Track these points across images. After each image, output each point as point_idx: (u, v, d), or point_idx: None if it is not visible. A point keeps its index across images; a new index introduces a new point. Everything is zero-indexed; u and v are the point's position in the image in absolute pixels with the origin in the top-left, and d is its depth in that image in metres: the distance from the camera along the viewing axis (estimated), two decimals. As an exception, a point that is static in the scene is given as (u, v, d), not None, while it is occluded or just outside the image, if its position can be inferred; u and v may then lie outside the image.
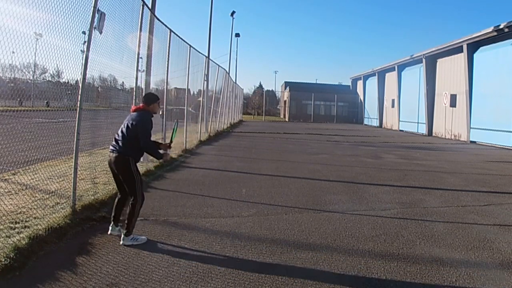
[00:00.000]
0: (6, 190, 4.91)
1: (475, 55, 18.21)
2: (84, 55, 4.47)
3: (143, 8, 6.58)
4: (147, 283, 2.94)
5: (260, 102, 51.64)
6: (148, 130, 3.76)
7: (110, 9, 5.07)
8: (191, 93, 13.47)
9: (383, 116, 31.84)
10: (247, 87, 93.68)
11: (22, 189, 5.13)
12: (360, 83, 39.57)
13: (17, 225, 3.80)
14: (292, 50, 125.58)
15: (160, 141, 8.70)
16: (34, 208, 4.29)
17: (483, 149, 15.06)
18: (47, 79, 5.61)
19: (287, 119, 42.93)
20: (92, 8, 4.52)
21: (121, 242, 3.70)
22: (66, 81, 5.46)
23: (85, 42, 4.52)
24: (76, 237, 3.85)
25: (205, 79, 16.31)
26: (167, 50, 8.67)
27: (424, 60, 22.94)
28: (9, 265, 3.01)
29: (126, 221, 3.72)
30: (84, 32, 4.58)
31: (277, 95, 60.57)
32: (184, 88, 11.62)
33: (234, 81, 31.99)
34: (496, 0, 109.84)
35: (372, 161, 10.50)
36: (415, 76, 24.98)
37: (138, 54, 6.56)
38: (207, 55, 16.45)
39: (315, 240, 4.01)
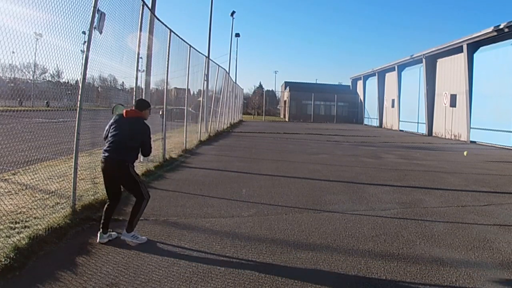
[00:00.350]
0: (6, 190, 4.91)
1: (475, 55, 18.21)
2: (84, 55, 4.47)
3: (143, 8, 6.58)
4: (147, 283, 2.94)
5: (260, 102, 51.64)
6: (148, 137, 3.84)
7: (110, 9, 5.07)
8: (191, 93, 13.48)
9: (383, 116, 31.84)
10: (247, 87, 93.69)
11: (22, 189, 5.13)
12: (360, 83, 39.57)
13: (17, 225, 3.80)
14: (292, 50, 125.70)
15: (160, 141, 8.73)
16: (34, 208, 4.29)
17: (483, 149, 15.06)
18: (47, 79, 5.61)
19: (287, 119, 42.93)
20: (92, 8, 4.52)
21: (121, 237, 3.73)
22: (66, 81, 5.47)
23: (85, 42, 4.52)
24: (76, 237, 3.85)
25: (205, 79, 16.32)
26: (167, 50, 8.67)
27: (424, 60, 22.95)
28: (9, 265, 3.01)
29: (129, 217, 3.74)
30: (84, 32, 4.59)
31: (277, 95, 60.60)
32: (184, 88, 11.62)
33: (234, 81, 32.00)
34: (496, 0, 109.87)
35: (372, 161, 10.50)
36: (415, 76, 24.98)
37: (138, 54, 6.56)
38: (207, 55, 16.46)
39: (315, 240, 4.01)
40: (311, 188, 6.62)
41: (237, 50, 40.61)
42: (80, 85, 4.42)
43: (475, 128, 17.92)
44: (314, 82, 53.59)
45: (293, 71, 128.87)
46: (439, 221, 4.84)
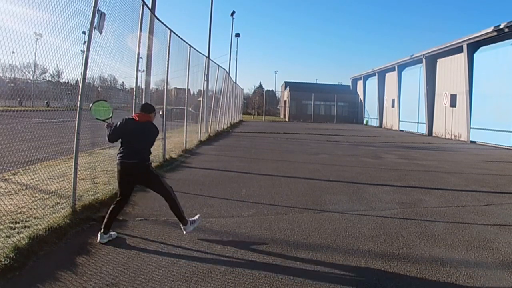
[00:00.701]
0: (6, 190, 4.91)
1: (475, 55, 18.21)
2: (84, 55, 4.47)
3: (143, 8, 6.57)
4: (147, 283, 2.94)
5: (260, 102, 51.65)
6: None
7: (110, 9, 5.07)
8: (191, 93, 13.48)
9: (383, 116, 31.84)
10: (247, 87, 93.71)
11: (22, 189, 5.13)
12: (360, 83, 39.57)
13: (17, 225, 3.80)
14: (292, 50, 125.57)
15: (160, 141, 8.73)
16: (34, 208, 4.29)
17: (483, 149, 15.06)
18: (47, 79, 5.61)
19: (287, 119, 42.94)
20: (92, 8, 4.52)
21: (184, 232, 3.94)
22: (66, 81, 5.46)
23: (85, 42, 4.52)
24: (76, 237, 3.85)
25: (205, 79, 16.31)
26: (167, 50, 8.67)
27: (424, 60, 22.95)
28: (9, 265, 3.01)
29: (176, 215, 3.94)
30: (84, 32, 4.58)
31: (277, 95, 60.59)
32: (184, 88, 11.63)
33: (234, 81, 32.00)
34: (496, 0, 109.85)
35: (372, 161, 10.50)
36: (415, 76, 24.99)
37: (138, 54, 6.55)
38: (207, 55, 16.46)
39: (315, 240, 4.01)
40: (311, 188, 6.62)
41: (237, 50, 40.69)
42: (80, 85, 4.42)
43: (475, 128, 17.92)
44: (314, 82, 53.68)
45: (293, 71, 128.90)
46: (439, 221, 4.84)
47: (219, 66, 19.49)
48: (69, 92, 5.30)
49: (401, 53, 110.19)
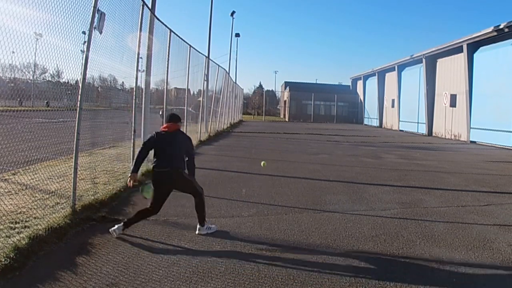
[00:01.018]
0: (6, 190, 4.91)
1: (475, 55, 18.21)
2: (84, 55, 4.47)
3: (143, 8, 6.57)
4: (147, 283, 2.94)
5: (260, 102, 51.63)
6: (192, 150, 4.33)
7: (110, 9, 5.07)
8: (191, 93, 13.48)
9: (383, 116, 31.84)
10: (247, 87, 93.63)
11: (22, 189, 5.13)
12: (360, 83, 39.57)
13: (17, 225, 3.80)
14: (292, 50, 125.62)
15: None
16: (34, 208, 4.29)
17: (483, 149, 15.06)
18: (47, 79, 5.61)
19: (287, 119, 42.93)
20: (92, 8, 4.52)
21: (197, 232, 4.07)
22: (66, 81, 5.46)
23: (85, 42, 4.52)
24: (76, 237, 3.85)
25: (205, 79, 16.31)
26: (167, 50, 8.67)
27: (424, 60, 22.95)
28: (9, 265, 3.01)
29: (197, 215, 4.10)
30: (84, 32, 4.58)
31: (277, 95, 60.57)
32: (184, 88, 11.63)
33: (234, 81, 32.00)
34: (496, 0, 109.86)
35: (372, 161, 10.50)
36: (415, 76, 24.98)
37: (138, 54, 6.55)
38: (207, 55, 16.46)
39: (315, 240, 4.01)
40: (311, 188, 6.62)
41: (237, 50, 40.59)
42: (80, 85, 4.42)
43: (475, 128, 17.91)
44: (314, 82, 53.67)
45: (293, 71, 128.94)
46: (439, 221, 4.84)
47: (219, 66, 19.50)
48: (69, 92, 5.29)
49: (401, 53, 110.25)
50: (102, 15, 4.71)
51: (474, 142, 17.75)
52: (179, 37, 9.56)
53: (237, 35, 36.41)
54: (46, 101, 5.57)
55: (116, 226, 3.89)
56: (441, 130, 21.65)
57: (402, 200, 5.94)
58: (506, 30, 15.59)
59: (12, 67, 4.47)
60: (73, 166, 4.42)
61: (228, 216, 4.80)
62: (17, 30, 3.37)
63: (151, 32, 7.45)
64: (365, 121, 37.49)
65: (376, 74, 32.60)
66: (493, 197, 6.34)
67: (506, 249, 3.88)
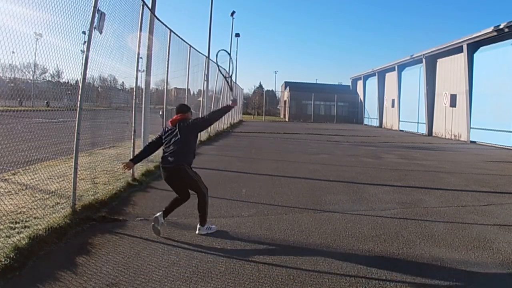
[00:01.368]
0: (6, 190, 4.91)
1: (475, 55, 18.21)
2: (84, 55, 4.47)
3: (143, 8, 6.57)
4: (147, 283, 2.94)
5: (260, 102, 51.63)
6: (198, 119, 4.18)
7: (110, 9, 5.07)
8: (191, 93, 13.48)
9: (383, 116, 31.83)
10: (247, 87, 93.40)
11: (22, 189, 5.13)
12: (360, 83, 39.56)
13: (17, 225, 3.80)
14: (292, 50, 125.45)
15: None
16: (34, 208, 4.29)
17: (483, 149, 15.06)
18: (47, 79, 5.61)
19: (287, 119, 42.93)
20: (92, 8, 4.52)
21: (197, 232, 4.04)
22: (66, 81, 5.46)
23: (85, 42, 4.52)
24: (76, 237, 3.85)
25: (205, 79, 16.30)
26: (167, 50, 8.67)
27: (424, 60, 22.94)
28: (9, 265, 3.01)
29: (200, 213, 4.05)
30: (84, 32, 4.58)
31: (277, 95, 60.54)
32: (184, 88, 11.63)
33: (234, 81, 31.98)
34: (496, 0, 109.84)
35: (372, 161, 10.50)
36: (415, 76, 24.98)
37: (138, 54, 6.56)
38: (207, 55, 16.44)
39: (315, 240, 4.01)
40: (311, 188, 6.62)
41: (237, 50, 40.44)
42: (80, 85, 4.42)
43: (475, 128, 17.91)
44: (314, 82, 53.63)
45: (293, 71, 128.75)
46: (439, 221, 4.84)
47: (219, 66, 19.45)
48: (69, 92, 5.30)
49: (401, 53, 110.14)
50: (102, 15, 4.71)
51: (474, 142, 17.75)
52: (179, 37, 9.57)
53: (237, 35, 36.40)
54: (46, 101, 5.57)
55: (158, 219, 3.93)
56: (441, 130, 21.64)
57: (402, 200, 5.94)
58: (506, 30, 15.59)
59: (12, 67, 4.48)
60: (73, 166, 4.42)
61: (228, 216, 4.80)
62: (17, 30, 3.37)
63: (151, 32, 7.45)
64: (365, 121, 37.48)
65: (376, 74, 32.60)
66: (493, 197, 6.33)
67: (506, 249, 3.88)
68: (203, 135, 14.54)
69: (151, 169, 7.35)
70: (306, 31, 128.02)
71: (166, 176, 4.00)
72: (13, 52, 3.56)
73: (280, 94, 55.94)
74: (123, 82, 7.72)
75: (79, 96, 4.38)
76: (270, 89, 65.37)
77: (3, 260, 3.02)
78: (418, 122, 24.52)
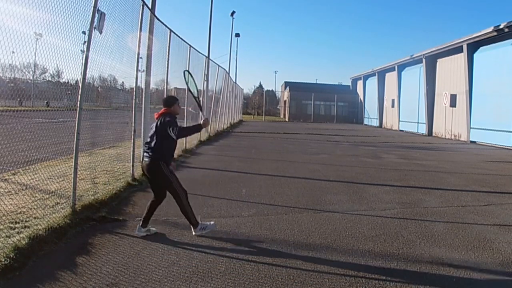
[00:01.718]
0: (6, 190, 4.91)
1: (475, 55, 18.21)
2: (84, 55, 4.47)
3: (143, 8, 6.57)
4: (147, 283, 2.94)
5: (260, 102, 51.63)
6: (172, 125, 3.81)
7: (110, 9, 5.07)
8: (191, 93, 13.42)
9: (383, 116, 31.84)
10: (247, 87, 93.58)
11: (22, 189, 5.13)
12: (360, 83, 39.56)
13: (17, 225, 3.80)
14: (292, 50, 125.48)
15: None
16: (34, 208, 4.29)
17: (483, 149, 15.06)
18: (47, 79, 5.61)
19: (287, 119, 42.93)
20: (92, 8, 4.52)
21: (193, 233, 3.98)
22: (66, 81, 5.46)
23: (85, 42, 4.52)
24: (76, 237, 3.85)
25: (205, 79, 16.29)
26: (167, 50, 8.67)
27: (424, 60, 22.95)
28: (9, 265, 3.01)
29: (185, 218, 4.00)
30: (84, 32, 4.58)
31: (277, 95, 60.55)
32: (184, 88, 11.60)
33: (234, 81, 31.98)
34: (496, 0, 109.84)
35: (372, 161, 10.50)
36: (415, 76, 24.98)
37: (138, 54, 6.55)
38: (207, 55, 16.44)
39: (315, 240, 4.01)
40: (311, 188, 6.62)
41: (237, 50, 40.55)
42: (80, 85, 4.42)
43: (475, 128, 17.91)
44: (314, 82, 53.65)
45: (293, 71, 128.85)
46: (439, 221, 4.84)
47: (219, 66, 19.48)
48: (69, 92, 5.29)
49: (401, 53, 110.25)
50: (102, 15, 4.71)
51: (474, 142, 17.75)
52: (179, 37, 9.57)
53: (237, 35, 36.43)
54: (46, 101, 5.57)
55: (137, 230, 3.93)
56: (441, 130, 21.65)
57: (402, 200, 5.93)
58: (506, 30, 15.59)
59: (12, 67, 4.48)
60: (73, 166, 4.42)
61: (228, 216, 4.80)
62: (17, 30, 3.37)
63: (151, 32, 7.45)
64: (365, 121, 37.48)
65: (376, 74, 32.60)
66: (493, 197, 6.34)
67: (506, 249, 3.88)
68: (203, 135, 14.54)
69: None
70: (306, 31, 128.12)
71: (144, 172, 3.98)
72: (13, 52, 3.56)
73: (280, 94, 55.95)
74: (123, 82, 7.73)
75: (79, 96, 4.37)
76: (270, 89, 65.47)
77: (3, 260, 3.02)
78: (418, 122, 24.52)
